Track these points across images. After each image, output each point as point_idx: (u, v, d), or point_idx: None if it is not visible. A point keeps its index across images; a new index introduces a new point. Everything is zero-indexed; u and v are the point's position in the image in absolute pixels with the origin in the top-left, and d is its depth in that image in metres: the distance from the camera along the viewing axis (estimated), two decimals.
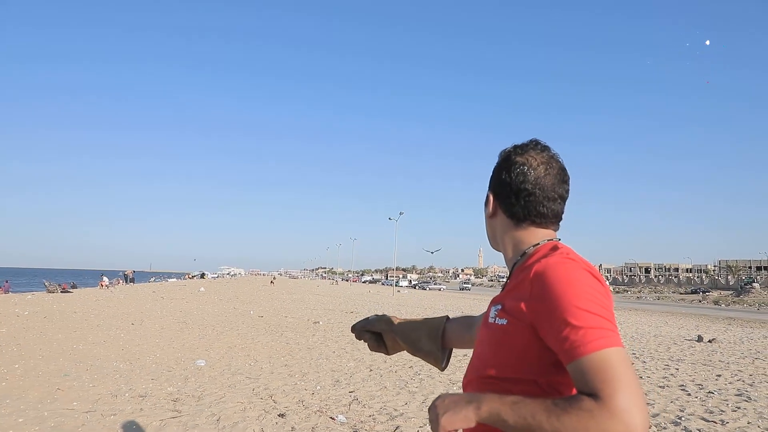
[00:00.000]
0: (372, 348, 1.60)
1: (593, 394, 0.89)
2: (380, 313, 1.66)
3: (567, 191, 1.25)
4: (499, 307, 1.17)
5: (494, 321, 1.17)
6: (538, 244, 1.20)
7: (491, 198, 1.29)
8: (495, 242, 1.32)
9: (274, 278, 66.09)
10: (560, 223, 1.27)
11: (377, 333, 1.60)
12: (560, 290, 1.01)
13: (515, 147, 1.28)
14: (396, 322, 1.60)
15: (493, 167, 1.31)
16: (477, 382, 1.18)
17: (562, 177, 1.24)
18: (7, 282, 33.72)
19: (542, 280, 1.05)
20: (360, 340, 1.63)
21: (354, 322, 1.65)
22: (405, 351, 1.58)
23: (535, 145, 1.26)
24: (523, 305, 1.08)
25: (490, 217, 1.30)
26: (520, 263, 1.20)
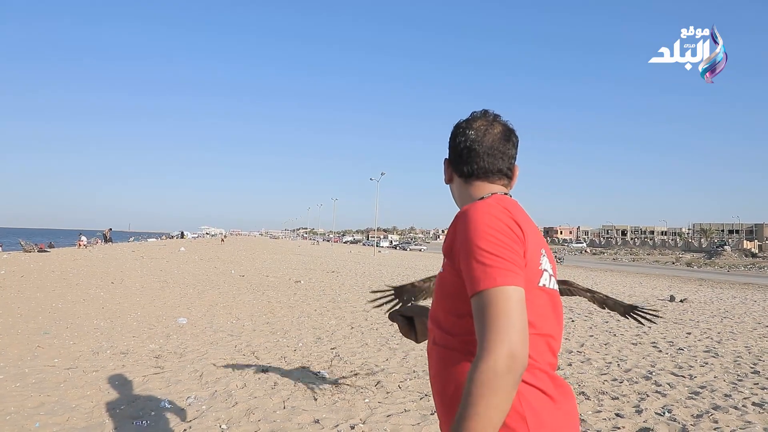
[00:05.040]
0: (402, 332, 1.61)
1: (479, 339, 1.03)
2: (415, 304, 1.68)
3: (510, 149, 1.39)
4: (444, 258, 1.31)
5: (439, 271, 1.33)
6: (484, 197, 1.31)
7: (446, 163, 1.46)
8: (457, 203, 1.45)
9: (224, 237, 66.64)
10: (510, 180, 1.41)
11: (410, 318, 1.60)
12: (467, 230, 1.15)
13: (468, 116, 1.44)
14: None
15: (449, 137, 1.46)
16: (431, 328, 1.34)
17: (505, 136, 1.39)
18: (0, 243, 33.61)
19: (457, 221, 1.20)
20: (393, 321, 1.65)
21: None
22: None
23: (481, 113, 1.43)
24: (448, 249, 1.24)
25: (448, 182, 1.46)
26: None
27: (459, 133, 1.40)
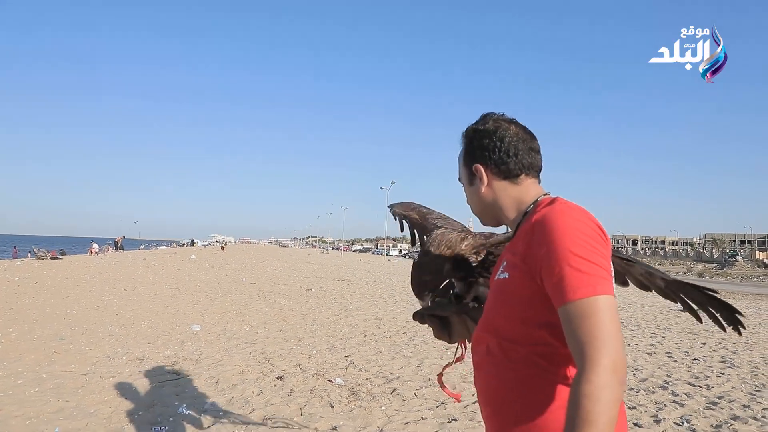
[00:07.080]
0: (436, 334, 1.54)
1: (578, 351, 0.96)
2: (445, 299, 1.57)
3: (539, 145, 1.31)
4: (504, 263, 1.21)
5: (497, 277, 1.22)
6: (537, 200, 1.23)
7: (481, 168, 1.29)
8: (492, 212, 1.32)
9: (225, 245, 66.90)
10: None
11: (443, 317, 1.53)
12: (557, 236, 1.05)
13: (480, 119, 1.33)
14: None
15: (466, 144, 1.34)
16: (485, 337, 1.22)
17: (531, 133, 1.30)
18: (15, 248, 34.50)
19: (541, 227, 1.09)
20: (423, 324, 1.56)
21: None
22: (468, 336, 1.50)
23: (494, 113, 1.33)
24: (523, 255, 1.12)
25: (486, 186, 1.29)
26: (523, 222, 1.22)
27: (494, 133, 1.27)
